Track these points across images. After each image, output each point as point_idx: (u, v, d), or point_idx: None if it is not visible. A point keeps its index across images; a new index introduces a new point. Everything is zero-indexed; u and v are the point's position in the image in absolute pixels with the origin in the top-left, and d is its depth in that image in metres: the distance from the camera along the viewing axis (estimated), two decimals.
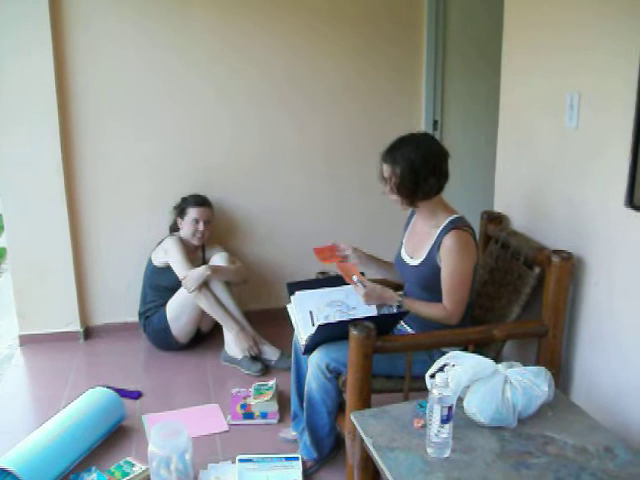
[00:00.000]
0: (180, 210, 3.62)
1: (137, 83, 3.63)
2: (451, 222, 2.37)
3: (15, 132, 3.48)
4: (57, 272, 3.70)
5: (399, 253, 2.60)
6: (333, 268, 2.73)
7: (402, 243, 2.62)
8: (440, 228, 2.38)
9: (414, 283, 2.49)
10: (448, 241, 2.33)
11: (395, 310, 2.43)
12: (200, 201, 3.62)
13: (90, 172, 3.67)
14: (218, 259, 3.57)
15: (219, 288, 3.49)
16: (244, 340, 3.44)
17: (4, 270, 5.35)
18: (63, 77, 3.51)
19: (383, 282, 2.58)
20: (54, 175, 3.56)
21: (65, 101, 3.53)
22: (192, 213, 3.57)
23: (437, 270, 2.37)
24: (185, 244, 3.57)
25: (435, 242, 2.38)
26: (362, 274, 2.49)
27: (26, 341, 3.75)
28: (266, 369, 3.41)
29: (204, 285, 3.42)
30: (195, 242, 3.60)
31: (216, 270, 3.47)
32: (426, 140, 2.44)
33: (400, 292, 2.51)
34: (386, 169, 2.39)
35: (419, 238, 2.49)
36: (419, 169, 2.32)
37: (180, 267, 3.46)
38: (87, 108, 3.58)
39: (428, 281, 2.41)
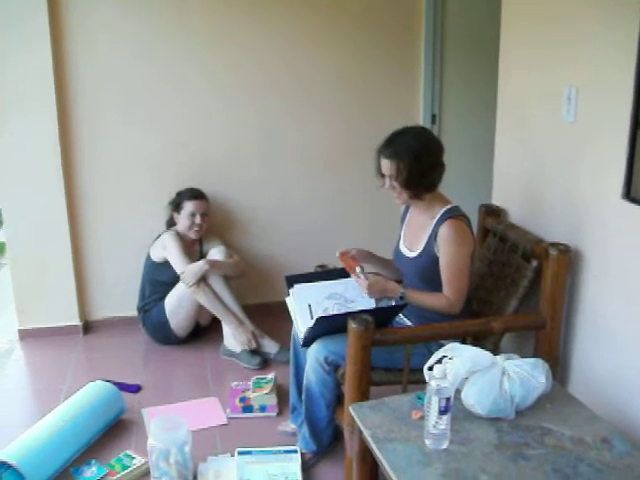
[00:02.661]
0: (176, 204, 3.61)
1: (135, 76, 3.62)
2: (446, 212, 2.39)
3: (13, 126, 3.47)
4: (56, 266, 3.70)
5: (397, 246, 2.61)
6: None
7: (400, 236, 2.62)
8: (436, 218, 2.39)
9: (413, 275, 2.49)
10: (444, 230, 2.34)
11: (393, 303, 2.44)
12: (196, 194, 3.61)
13: (89, 166, 3.67)
14: (216, 253, 3.57)
15: (217, 282, 3.49)
16: (243, 334, 3.44)
17: (3, 265, 5.35)
18: (61, 70, 3.50)
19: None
20: (53, 169, 3.55)
21: (63, 94, 3.53)
22: (188, 206, 3.57)
23: (435, 260, 2.39)
24: (182, 238, 3.58)
25: (432, 232, 2.39)
26: (362, 267, 2.48)
27: (26, 335, 3.76)
28: (265, 362, 3.42)
29: (202, 279, 3.42)
30: (192, 235, 3.60)
31: (214, 264, 3.47)
32: (422, 131, 2.51)
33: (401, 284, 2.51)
34: (387, 165, 2.37)
35: (416, 230, 2.49)
36: (423, 160, 2.34)
37: (178, 262, 3.46)
38: (85, 101, 3.58)
39: (426, 272, 2.42)
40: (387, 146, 2.39)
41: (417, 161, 2.33)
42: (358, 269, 2.41)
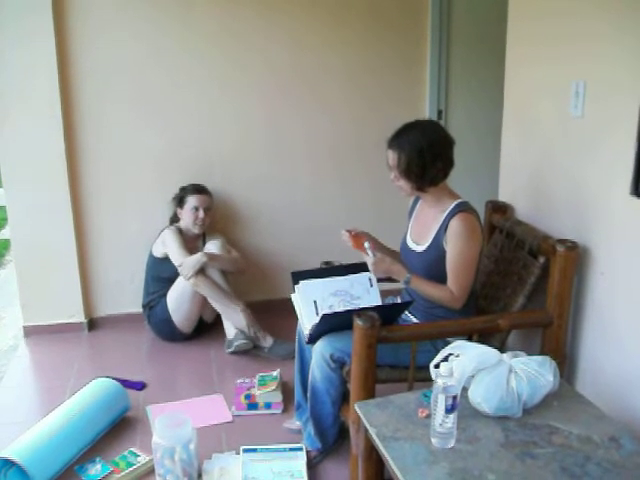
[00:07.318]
0: (179, 199, 3.62)
1: (141, 72, 3.62)
2: (457, 206, 2.37)
3: (18, 123, 3.47)
4: (61, 263, 3.70)
5: (404, 240, 2.59)
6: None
7: (407, 230, 2.60)
8: (446, 212, 2.37)
9: (419, 269, 2.46)
10: (455, 224, 2.32)
11: (399, 300, 2.41)
12: (199, 188, 3.62)
13: (93, 163, 3.66)
14: (212, 247, 3.56)
15: (215, 276, 3.48)
16: (245, 318, 3.43)
17: (8, 262, 5.36)
18: (65, 66, 3.50)
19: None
20: (57, 166, 3.55)
21: (68, 90, 3.52)
22: (191, 201, 3.57)
23: (442, 254, 2.37)
24: (185, 234, 3.58)
25: (441, 225, 2.37)
26: (369, 244, 2.45)
27: (30, 332, 3.76)
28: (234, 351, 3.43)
29: (201, 272, 3.42)
30: (196, 230, 3.60)
31: (212, 257, 3.46)
32: (432, 126, 2.47)
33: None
34: (392, 156, 2.38)
35: (425, 224, 2.48)
36: (426, 153, 2.32)
37: (176, 255, 3.45)
38: (90, 98, 3.57)
39: (433, 267, 2.40)
40: (394, 137, 2.40)
41: (418, 153, 2.32)
42: (367, 244, 2.40)
